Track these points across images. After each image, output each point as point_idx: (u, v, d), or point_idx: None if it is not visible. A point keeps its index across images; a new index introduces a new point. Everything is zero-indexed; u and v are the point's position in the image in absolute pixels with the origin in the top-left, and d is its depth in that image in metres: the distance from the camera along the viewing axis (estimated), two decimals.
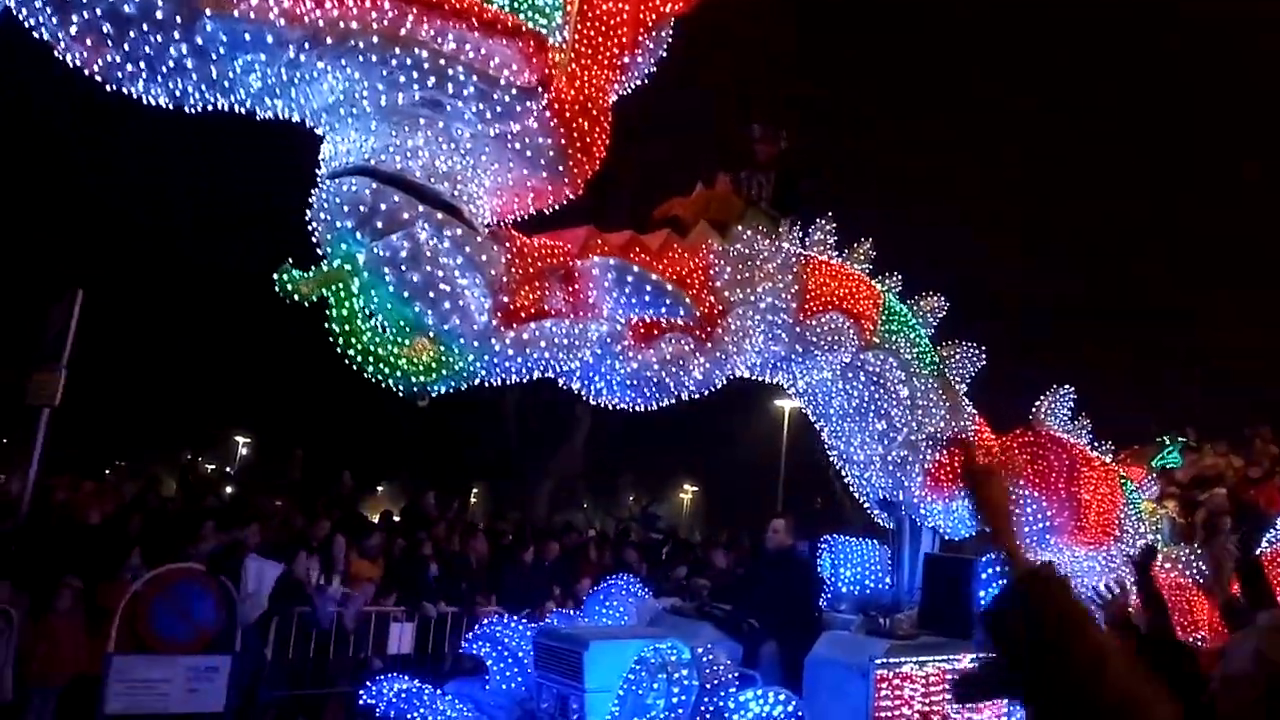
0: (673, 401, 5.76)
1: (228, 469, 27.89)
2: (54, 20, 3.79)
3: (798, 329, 6.14)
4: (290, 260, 4.38)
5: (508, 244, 4.93)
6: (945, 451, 6.92)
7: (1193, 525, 8.97)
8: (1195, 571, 7.72)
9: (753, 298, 5.86)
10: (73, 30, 3.81)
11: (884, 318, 6.76)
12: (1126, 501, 7.87)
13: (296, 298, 4.36)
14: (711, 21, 8.97)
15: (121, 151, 19.84)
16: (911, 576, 7.35)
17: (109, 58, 3.94)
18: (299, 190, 4.74)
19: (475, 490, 23.26)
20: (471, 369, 4.85)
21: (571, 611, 7.51)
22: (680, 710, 5.22)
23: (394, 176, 4.49)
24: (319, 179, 4.66)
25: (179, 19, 3.84)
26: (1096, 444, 7.89)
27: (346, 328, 4.51)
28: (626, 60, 5.13)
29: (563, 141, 4.74)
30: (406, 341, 4.68)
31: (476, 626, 6.82)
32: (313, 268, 4.46)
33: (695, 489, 35.77)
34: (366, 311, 4.59)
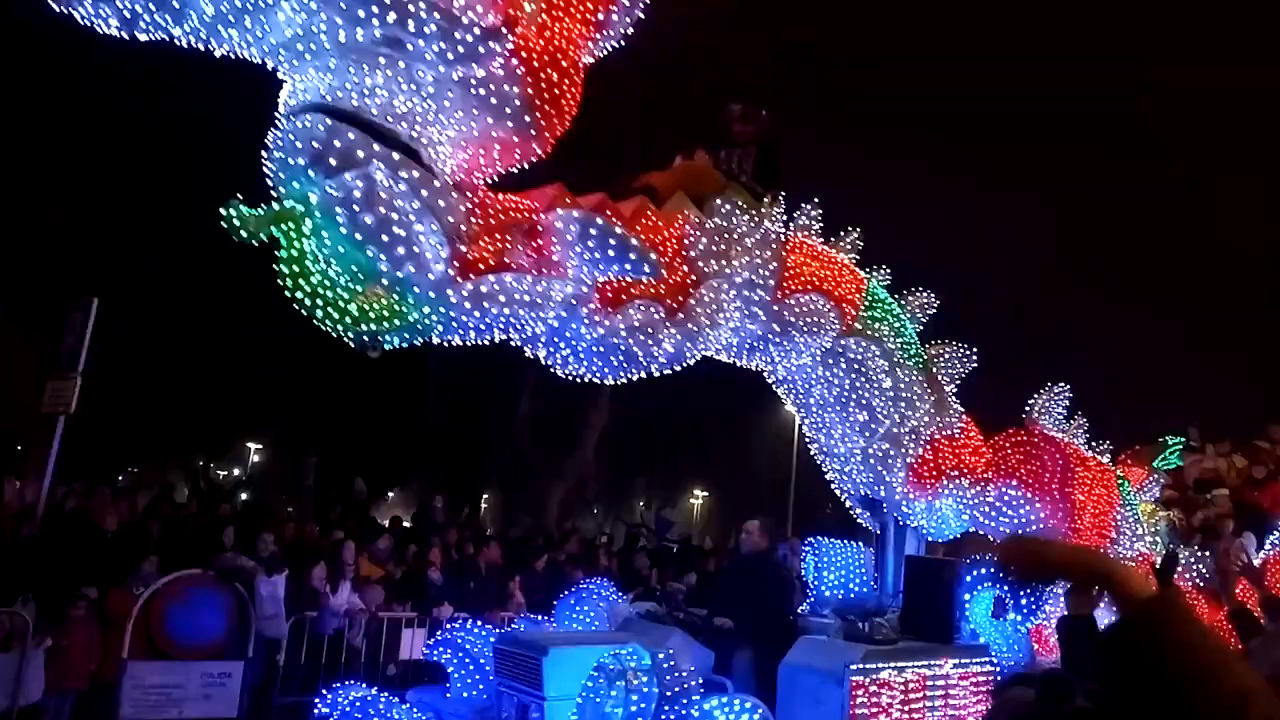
0: (642, 375, 5.56)
1: (240, 475, 27.68)
2: None
3: (775, 307, 5.95)
4: (239, 196, 4.24)
5: (469, 194, 4.76)
6: (929, 447, 6.69)
7: (1192, 527, 8.69)
8: (1195, 574, 7.48)
9: (728, 270, 5.68)
10: None
11: (867, 305, 6.57)
12: (1123, 503, 7.63)
13: (244, 234, 4.20)
14: None
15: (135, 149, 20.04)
16: (895, 580, 7.11)
17: None
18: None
19: (486, 496, 23.04)
20: (426, 321, 4.66)
21: (540, 617, 7.27)
22: (640, 719, 4.96)
23: (350, 114, 4.35)
24: (275, 118, 4.53)
25: None
26: (1094, 444, 7.66)
27: (295, 269, 4.35)
28: (601, 17, 5.00)
29: (529, 91, 4.60)
30: (359, 288, 4.50)
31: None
32: (262, 205, 4.30)
33: (706, 494, 35.26)
34: (318, 254, 4.42)
